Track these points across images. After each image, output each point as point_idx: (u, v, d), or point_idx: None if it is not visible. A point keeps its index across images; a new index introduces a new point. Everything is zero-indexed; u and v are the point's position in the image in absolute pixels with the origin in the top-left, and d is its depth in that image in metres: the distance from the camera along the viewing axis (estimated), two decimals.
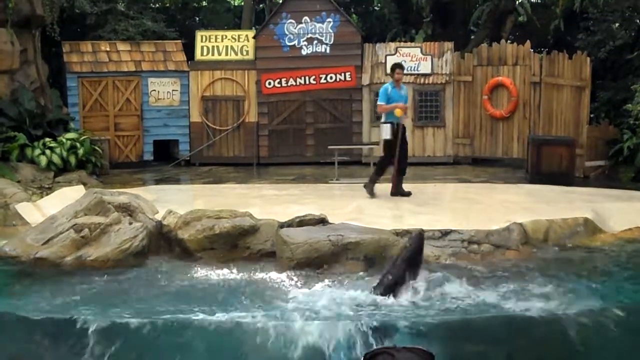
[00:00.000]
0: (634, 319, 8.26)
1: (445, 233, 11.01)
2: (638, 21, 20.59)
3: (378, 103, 14.62)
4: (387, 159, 14.51)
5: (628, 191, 15.19)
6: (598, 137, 17.68)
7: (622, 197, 14.45)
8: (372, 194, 14.33)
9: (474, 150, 19.79)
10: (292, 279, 9.51)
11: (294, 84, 19.91)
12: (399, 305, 8.51)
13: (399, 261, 9.18)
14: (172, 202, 13.05)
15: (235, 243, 10.79)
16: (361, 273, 9.79)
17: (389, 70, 15.42)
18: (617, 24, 20.64)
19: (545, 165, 16.21)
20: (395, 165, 14.29)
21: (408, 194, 14.37)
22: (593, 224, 12.02)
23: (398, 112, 14.07)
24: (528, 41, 19.49)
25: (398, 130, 14.20)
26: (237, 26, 24.43)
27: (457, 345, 7.94)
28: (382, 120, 14.54)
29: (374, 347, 6.65)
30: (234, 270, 9.92)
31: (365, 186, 14.53)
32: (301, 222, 10.94)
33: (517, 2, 24.27)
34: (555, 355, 8.24)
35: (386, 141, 14.37)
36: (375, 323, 7.84)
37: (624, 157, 16.95)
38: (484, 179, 16.94)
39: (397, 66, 14.74)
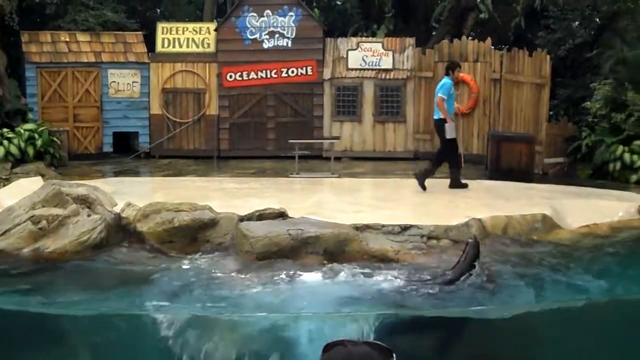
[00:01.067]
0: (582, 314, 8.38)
1: (404, 228, 11.01)
2: (597, 20, 20.78)
3: (441, 95, 14.60)
4: (453, 154, 14.80)
5: (586, 188, 15.33)
6: (557, 134, 17.82)
7: (580, 194, 14.58)
8: (464, 186, 14.71)
9: (434, 145, 19.77)
10: (250, 273, 9.48)
11: (255, 77, 19.85)
12: None
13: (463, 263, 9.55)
14: (132, 194, 12.94)
15: (195, 236, 10.74)
16: (320, 266, 9.80)
17: (445, 69, 15.44)
18: (577, 23, 20.83)
19: (505, 161, 16.31)
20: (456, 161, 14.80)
21: (465, 185, 14.79)
22: (551, 221, 12.11)
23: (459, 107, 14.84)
24: (489, 38, 19.60)
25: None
26: (199, 18, 24.35)
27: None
28: (441, 117, 14.64)
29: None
30: (192, 264, 9.89)
31: (451, 187, 14.75)
32: (261, 216, 10.92)
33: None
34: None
35: (452, 139, 14.66)
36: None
37: (582, 154, 17.12)
38: (443, 174, 16.98)
39: (457, 65, 15.23)
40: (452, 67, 15.03)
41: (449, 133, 14.58)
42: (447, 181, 15.00)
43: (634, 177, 16.00)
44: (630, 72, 17.33)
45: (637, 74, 16.99)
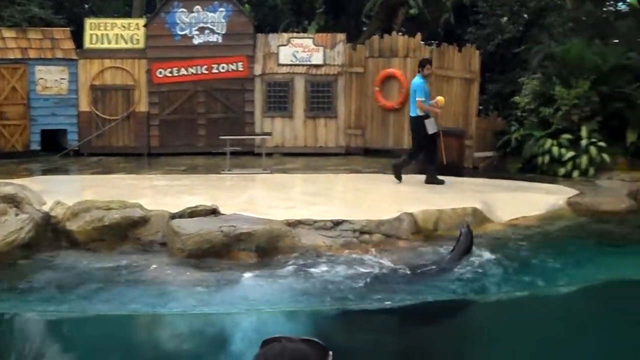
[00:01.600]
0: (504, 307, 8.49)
1: (337, 223, 11.02)
2: (525, 15, 21.07)
3: (419, 99, 14.73)
4: (432, 150, 15.02)
5: (515, 181, 15.53)
6: (487, 128, 18.02)
7: (509, 187, 14.76)
8: (440, 182, 14.77)
9: (366, 141, 19.94)
10: (182, 270, 9.41)
11: (186, 73, 19.71)
12: None
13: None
14: (60, 193, 12.73)
15: (125, 234, 10.62)
16: (252, 262, 9.77)
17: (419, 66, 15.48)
18: (505, 18, 21.08)
19: None
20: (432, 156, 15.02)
21: (442, 182, 14.85)
22: (481, 214, 12.24)
23: (441, 100, 15.01)
24: (419, 33, 19.72)
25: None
26: (128, 14, 24.09)
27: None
28: (422, 114, 14.79)
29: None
30: (122, 262, 9.77)
31: (427, 182, 14.85)
32: (192, 213, 10.84)
33: None
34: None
35: (431, 135, 14.81)
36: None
37: (512, 148, 17.33)
38: (375, 169, 17.07)
39: (428, 61, 15.36)
40: (422, 64, 15.19)
41: (430, 129, 14.76)
42: (383, 176, 15.11)
43: (562, 170, 16.24)
44: (557, 67, 17.59)
45: (564, 68, 17.25)
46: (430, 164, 15.13)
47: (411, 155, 15.39)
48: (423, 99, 14.65)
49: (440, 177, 14.87)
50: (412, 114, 14.99)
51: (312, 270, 9.46)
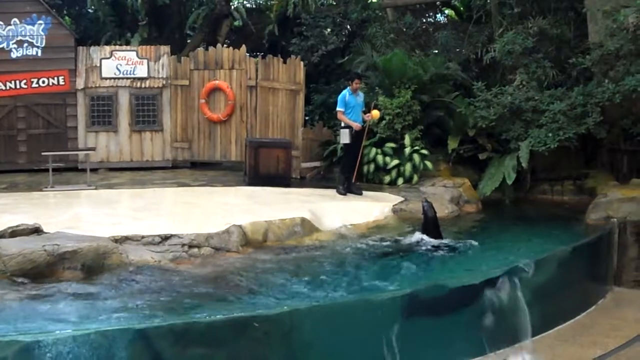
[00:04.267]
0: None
1: (165, 238, 10.86)
2: (348, 27, 21.40)
3: (338, 109, 15.21)
4: (349, 160, 15.39)
5: None
6: (313, 139, 18.23)
7: (336, 196, 14.96)
8: (344, 194, 15.20)
9: (193, 154, 19.81)
10: (2, 292, 9.02)
11: (4, 88, 19.04)
12: None
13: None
14: None
15: None
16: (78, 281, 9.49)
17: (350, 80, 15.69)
18: (329, 30, 21.37)
19: (263, 167, 16.50)
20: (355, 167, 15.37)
21: (344, 193, 15.24)
22: (310, 223, 12.38)
23: (376, 114, 15.59)
24: (244, 45, 19.77)
25: (362, 133, 15.31)
26: None
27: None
28: (342, 125, 15.24)
29: None
30: None
31: (338, 192, 15.31)
32: (14, 233, 10.44)
33: (232, 7, 24.55)
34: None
35: (346, 145, 15.35)
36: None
37: (338, 157, 17.55)
38: (203, 182, 16.96)
39: (357, 76, 15.56)
40: (350, 79, 15.54)
41: (343, 139, 15.22)
42: (211, 189, 15.13)
43: (387, 178, 16.59)
44: (379, 77, 17.96)
45: (386, 78, 17.63)
46: (340, 173, 15.62)
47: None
48: (341, 109, 15.11)
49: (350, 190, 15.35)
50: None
51: (138, 286, 9.30)
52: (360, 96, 15.54)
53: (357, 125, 15.10)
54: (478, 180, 16.61)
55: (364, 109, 15.64)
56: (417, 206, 13.63)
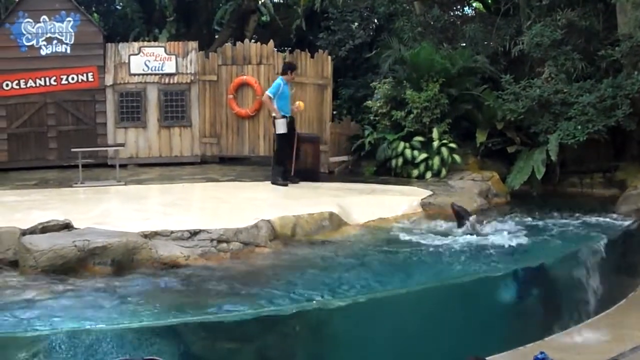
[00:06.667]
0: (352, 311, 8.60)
1: (194, 233, 10.91)
2: (375, 21, 21.37)
3: (267, 94, 15.74)
4: (284, 151, 15.75)
5: (370, 184, 15.77)
6: (341, 133, 18.22)
7: (364, 190, 14.96)
8: (285, 184, 15.46)
9: (221, 149, 19.85)
10: (34, 288, 9.11)
11: (34, 85, 19.17)
12: None
13: None
14: None
15: None
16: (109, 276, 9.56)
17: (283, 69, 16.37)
18: (356, 24, 21.35)
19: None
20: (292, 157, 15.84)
21: (285, 184, 15.52)
22: (338, 218, 12.38)
23: (301, 105, 16.08)
24: (271, 40, 19.75)
25: (293, 123, 15.91)
26: None
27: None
28: (272, 114, 15.75)
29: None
30: None
31: (274, 183, 15.58)
32: (45, 229, 10.53)
33: (259, 2, 24.59)
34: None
35: (282, 135, 15.60)
36: None
37: (366, 151, 17.58)
38: (231, 177, 17.01)
39: (294, 67, 16.38)
40: (288, 68, 16.03)
41: (280, 128, 15.44)
42: (240, 184, 15.20)
43: (415, 172, 16.58)
44: (407, 71, 17.94)
45: (414, 72, 17.59)
46: (276, 165, 15.75)
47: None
48: (270, 95, 15.49)
49: (289, 180, 15.60)
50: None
51: (167, 281, 9.36)
52: (291, 87, 16.15)
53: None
54: (506, 173, 16.54)
55: None
56: (446, 200, 13.63)
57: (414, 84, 17.45)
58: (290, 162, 15.73)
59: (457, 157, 16.56)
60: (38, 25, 19.29)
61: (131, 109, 19.53)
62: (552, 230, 12.40)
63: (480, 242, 11.35)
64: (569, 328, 10.29)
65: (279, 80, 15.70)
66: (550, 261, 10.70)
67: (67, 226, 10.70)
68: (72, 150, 17.15)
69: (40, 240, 10.00)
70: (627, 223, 12.95)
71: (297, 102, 15.94)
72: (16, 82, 19.10)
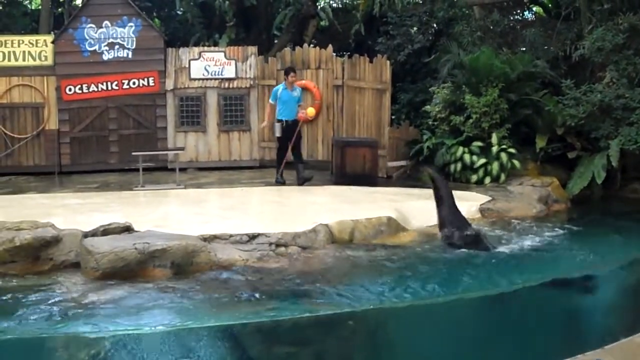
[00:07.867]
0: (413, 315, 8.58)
1: (253, 237, 10.99)
2: (435, 25, 21.29)
3: (269, 102, 16.79)
4: (281, 151, 16.65)
5: (428, 190, 15.60)
6: (399, 138, 18.17)
7: (422, 195, 14.87)
8: (282, 183, 16.68)
9: None
10: (96, 289, 9.25)
11: (96, 89, 19.46)
12: None
13: None
14: None
15: (38, 255, 10.38)
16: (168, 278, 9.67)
17: (284, 74, 16.94)
18: (415, 28, 21.27)
19: (349, 166, 16.51)
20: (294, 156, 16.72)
21: (310, 177, 16.61)
22: (396, 223, 12.36)
23: (311, 111, 17.30)
24: (330, 45, 19.82)
25: (293, 127, 16.50)
26: (35, 31, 23.65)
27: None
28: (280, 117, 16.49)
29: None
30: (35, 283, 9.56)
31: (276, 181, 16.76)
32: (106, 231, 10.67)
33: (318, 7, 24.63)
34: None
35: (278, 137, 16.58)
36: None
37: (424, 156, 17.51)
38: (290, 181, 17.07)
39: (291, 70, 16.52)
40: (286, 72, 16.64)
41: (275, 132, 16.49)
42: (298, 188, 15.38)
43: (474, 177, 16.48)
44: (466, 76, 17.83)
45: (473, 77, 17.49)
46: (276, 164, 16.81)
47: (295, 158, 16.80)
48: (271, 102, 16.50)
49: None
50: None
51: (226, 284, 9.43)
52: (297, 91, 16.58)
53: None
54: (567, 179, 16.38)
55: (301, 103, 16.73)
56: (505, 206, 13.54)
57: (473, 89, 17.35)
58: (281, 163, 16.57)
59: (516, 163, 16.44)
60: (100, 30, 19.56)
61: (191, 113, 19.73)
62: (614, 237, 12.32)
63: (536, 247, 11.32)
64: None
65: (279, 85, 16.56)
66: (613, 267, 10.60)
67: (127, 229, 10.83)
68: (133, 153, 17.33)
69: (102, 243, 10.14)
70: None
71: (308, 109, 16.81)
72: (79, 86, 19.40)
